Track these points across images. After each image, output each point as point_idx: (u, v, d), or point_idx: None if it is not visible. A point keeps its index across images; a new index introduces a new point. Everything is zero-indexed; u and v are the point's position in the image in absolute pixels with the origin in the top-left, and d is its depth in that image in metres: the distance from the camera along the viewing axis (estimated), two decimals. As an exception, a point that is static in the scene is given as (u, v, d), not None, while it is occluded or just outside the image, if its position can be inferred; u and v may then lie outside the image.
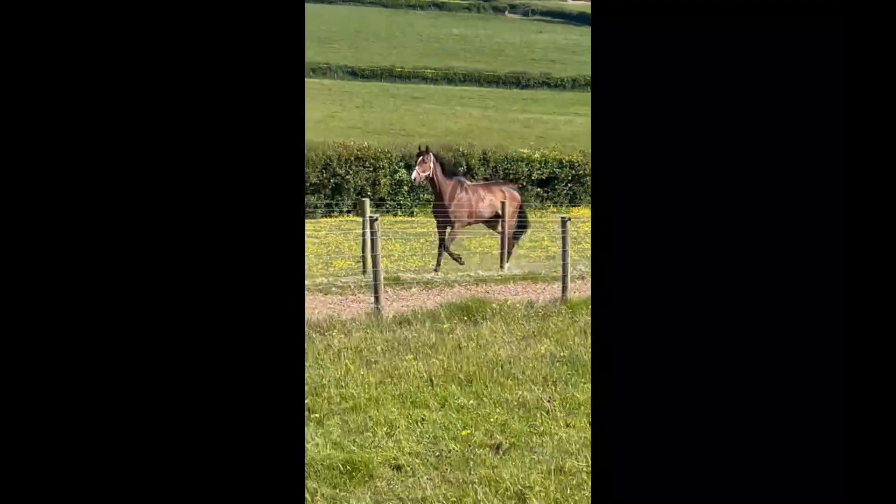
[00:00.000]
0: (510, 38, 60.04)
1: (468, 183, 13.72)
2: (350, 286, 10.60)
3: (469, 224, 13.45)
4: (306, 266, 12.57)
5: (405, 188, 23.06)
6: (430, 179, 12.83)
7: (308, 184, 22.28)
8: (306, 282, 10.85)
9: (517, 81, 51.06)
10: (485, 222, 13.62)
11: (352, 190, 22.81)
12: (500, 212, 13.31)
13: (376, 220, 9.25)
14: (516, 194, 13.91)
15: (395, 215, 22.50)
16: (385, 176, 23.41)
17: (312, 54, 51.11)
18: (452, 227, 12.88)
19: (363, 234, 11.58)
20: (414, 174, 12.92)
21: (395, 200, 22.87)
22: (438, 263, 12.64)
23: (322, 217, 21.49)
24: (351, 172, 23.11)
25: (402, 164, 23.43)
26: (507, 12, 73.36)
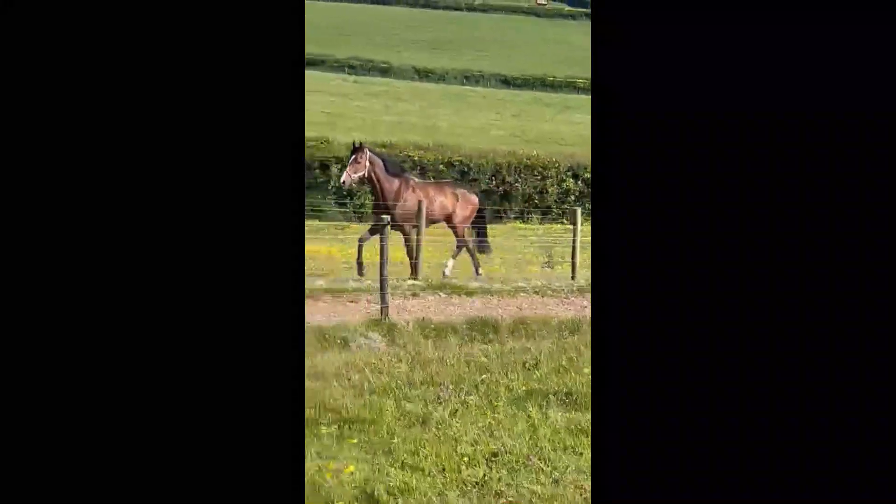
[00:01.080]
0: (661, 50, 59.58)
1: (416, 181, 12.07)
2: (563, 290, 11.27)
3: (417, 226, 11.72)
4: (504, 270, 13.26)
5: (572, 197, 23.64)
6: (368, 179, 11.13)
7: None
8: (522, 285, 11.57)
9: (669, 93, 50.63)
10: (435, 223, 12.01)
11: (519, 197, 23.48)
12: (451, 215, 11.84)
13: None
14: (472, 197, 12.26)
15: (561, 224, 22.99)
16: (553, 185, 24.08)
17: (465, 62, 52.22)
18: (406, 233, 11.30)
19: (573, 241, 12.26)
20: (344, 176, 11.16)
21: (561, 209, 23.39)
22: (415, 270, 11.24)
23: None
24: (520, 180, 23.91)
25: (569, 172, 24.09)
26: (657, 23, 72.81)
